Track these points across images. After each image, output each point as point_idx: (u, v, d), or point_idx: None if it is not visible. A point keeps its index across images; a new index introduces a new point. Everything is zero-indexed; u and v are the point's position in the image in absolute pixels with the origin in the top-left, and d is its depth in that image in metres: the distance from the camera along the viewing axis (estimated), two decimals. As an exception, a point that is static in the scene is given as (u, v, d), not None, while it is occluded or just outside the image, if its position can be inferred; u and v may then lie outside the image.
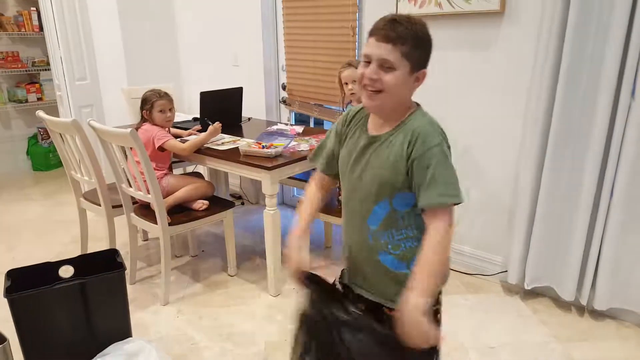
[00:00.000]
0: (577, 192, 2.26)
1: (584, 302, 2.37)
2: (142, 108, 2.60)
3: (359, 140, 1.25)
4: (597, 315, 2.39)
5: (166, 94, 2.62)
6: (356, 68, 2.37)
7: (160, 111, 2.57)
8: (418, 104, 1.23)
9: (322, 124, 3.60)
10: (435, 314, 1.32)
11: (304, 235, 1.31)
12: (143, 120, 2.62)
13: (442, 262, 1.13)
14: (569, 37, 2.10)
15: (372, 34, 1.14)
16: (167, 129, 2.66)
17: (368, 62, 1.13)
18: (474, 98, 2.60)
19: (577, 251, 2.30)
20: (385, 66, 1.11)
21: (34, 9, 4.63)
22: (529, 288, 2.50)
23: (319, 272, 1.27)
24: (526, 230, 2.46)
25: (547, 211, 2.36)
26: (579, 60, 2.12)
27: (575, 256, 2.31)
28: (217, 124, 2.59)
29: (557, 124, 2.22)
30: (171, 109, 2.62)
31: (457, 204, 1.13)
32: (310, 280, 1.25)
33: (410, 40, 1.11)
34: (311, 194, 1.39)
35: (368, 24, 2.91)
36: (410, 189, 1.16)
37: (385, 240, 1.22)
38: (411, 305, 1.07)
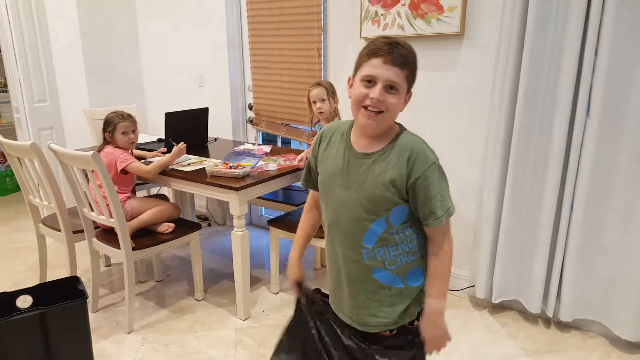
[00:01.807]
0: (538, 207, 2.33)
1: (550, 314, 2.42)
2: (104, 130, 2.54)
3: (344, 158, 1.24)
4: (563, 326, 2.44)
5: (129, 115, 2.57)
6: (325, 87, 2.40)
7: (123, 133, 2.52)
8: (400, 125, 1.25)
9: (290, 143, 3.61)
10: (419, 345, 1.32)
11: (300, 262, 1.47)
12: (105, 142, 2.56)
13: (449, 268, 1.24)
14: (525, 59, 2.18)
15: (375, 54, 1.12)
16: (130, 151, 2.60)
17: (369, 82, 1.13)
18: (436, 118, 2.65)
19: (541, 265, 2.36)
20: (390, 88, 1.12)
21: (-10, 29, 4.50)
22: (497, 302, 2.54)
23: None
24: (491, 245, 2.50)
25: (511, 226, 2.41)
26: (536, 81, 2.20)
27: (540, 270, 2.36)
28: (182, 145, 2.56)
29: (517, 142, 2.29)
30: (134, 131, 2.57)
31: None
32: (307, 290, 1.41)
33: (411, 63, 1.14)
34: (303, 218, 1.48)
35: (332, 45, 2.96)
36: (405, 202, 1.18)
37: (382, 257, 1.22)
38: (437, 310, 1.22)
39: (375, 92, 1.11)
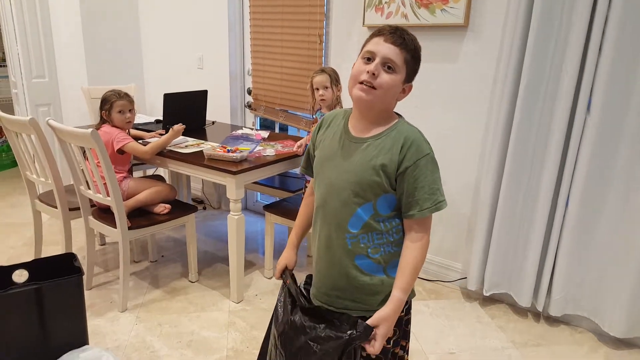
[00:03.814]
0: (534, 203, 2.34)
1: (539, 308, 2.45)
2: (101, 108, 2.53)
3: (340, 141, 1.25)
4: (552, 321, 2.47)
5: (126, 94, 2.55)
6: (329, 75, 2.39)
7: (120, 112, 2.51)
8: (399, 115, 1.26)
9: (287, 129, 3.60)
10: (406, 323, 1.33)
11: (295, 248, 1.47)
12: (102, 121, 2.55)
13: (421, 265, 1.21)
14: (528, 53, 2.18)
15: (378, 34, 1.17)
16: (127, 130, 2.60)
17: (369, 60, 1.16)
18: (435, 109, 2.65)
19: (533, 259, 2.38)
20: (387, 66, 1.14)
21: (-10, 2, 4.45)
22: (488, 294, 2.57)
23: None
24: (485, 238, 2.52)
25: (505, 221, 2.43)
26: (538, 76, 2.20)
27: (532, 264, 2.39)
28: (179, 126, 2.54)
29: (516, 136, 2.29)
30: (131, 110, 2.56)
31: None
32: (291, 279, 1.37)
33: (413, 50, 1.17)
34: (302, 205, 1.48)
35: (335, 32, 2.94)
36: (394, 191, 1.19)
37: (366, 244, 1.22)
38: (401, 303, 1.19)
39: (372, 66, 1.14)
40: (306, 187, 2.60)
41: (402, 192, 1.18)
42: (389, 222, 1.22)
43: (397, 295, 1.18)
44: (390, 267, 1.24)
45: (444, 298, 2.68)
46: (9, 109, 3.94)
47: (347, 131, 1.25)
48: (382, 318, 1.17)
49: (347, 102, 2.49)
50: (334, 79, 2.42)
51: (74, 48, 3.73)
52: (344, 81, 2.48)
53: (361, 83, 1.15)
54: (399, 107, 1.22)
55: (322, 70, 2.43)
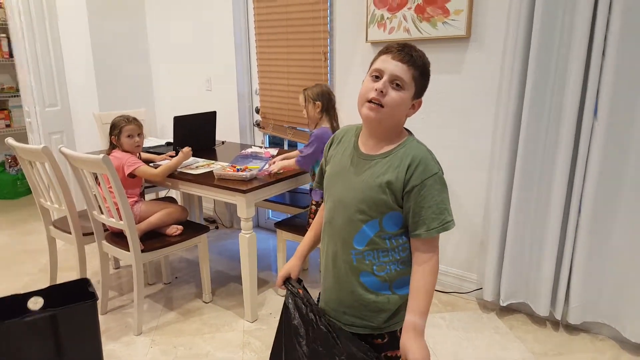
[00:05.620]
0: (546, 209, 2.32)
1: (558, 316, 2.41)
2: (110, 134, 2.57)
3: (350, 157, 1.25)
4: (571, 329, 2.43)
5: (135, 119, 2.59)
6: (304, 95, 2.48)
7: (129, 136, 2.54)
8: (410, 131, 1.25)
9: (296, 146, 3.62)
10: None
11: (301, 258, 1.46)
12: (112, 146, 2.59)
13: (433, 288, 1.19)
14: (532, 60, 2.18)
15: (386, 52, 1.17)
16: (137, 154, 2.63)
17: (377, 77, 1.16)
18: (442, 121, 2.65)
19: (549, 267, 2.35)
20: (395, 83, 1.14)
21: (4, 35, 4.57)
22: (505, 304, 2.53)
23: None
24: (499, 248, 2.50)
25: (518, 229, 2.40)
26: (543, 83, 2.19)
27: (548, 272, 2.35)
28: (187, 148, 2.58)
29: (523, 145, 2.28)
30: (140, 134, 2.59)
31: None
32: (294, 286, 1.39)
33: (421, 67, 1.17)
34: (316, 218, 1.47)
35: (339, 49, 2.97)
36: (401, 208, 1.18)
37: (371, 261, 1.21)
38: (417, 327, 1.15)
39: (380, 84, 1.14)
40: (313, 204, 2.60)
41: (408, 210, 1.17)
42: (396, 239, 1.21)
43: (410, 319, 1.16)
44: (397, 285, 1.23)
45: (461, 310, 2.65)
46: (23, 138, 4.02)
47: (357, 148, 1.25)
48: (404, 349, 1.15)
49: (342, 117, 2.51)
50: (310, 97, 2.47)
51: (85, 75, 3.81)
52: (347, 98, 2.51)
53: (369, 102, 1.15)
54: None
55: (303, 90, 2.52)
